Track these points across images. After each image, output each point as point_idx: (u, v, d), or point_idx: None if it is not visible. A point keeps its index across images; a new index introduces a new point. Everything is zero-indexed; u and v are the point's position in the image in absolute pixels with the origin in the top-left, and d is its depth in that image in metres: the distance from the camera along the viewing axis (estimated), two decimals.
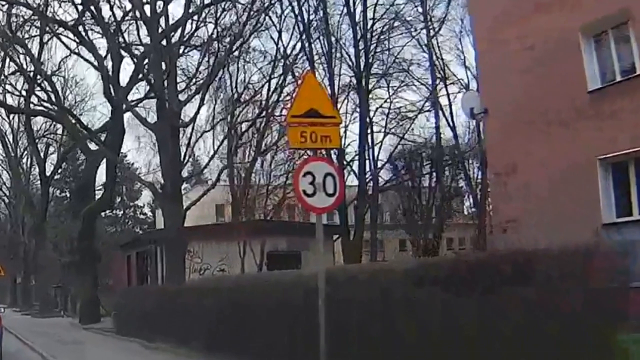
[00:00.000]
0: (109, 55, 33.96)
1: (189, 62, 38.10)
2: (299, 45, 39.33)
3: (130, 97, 36.81)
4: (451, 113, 42.76)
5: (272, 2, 36.18)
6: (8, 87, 45.00)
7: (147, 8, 31.26)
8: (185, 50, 36.11)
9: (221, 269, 32.92)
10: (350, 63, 40.86)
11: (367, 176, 40.72)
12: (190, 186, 50.49)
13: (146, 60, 33.70)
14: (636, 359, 9.17)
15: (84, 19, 33.91)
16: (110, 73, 33.24)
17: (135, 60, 34.37)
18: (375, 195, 41.28)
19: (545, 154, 20.09)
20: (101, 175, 44.31)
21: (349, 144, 41.08)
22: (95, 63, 34.33)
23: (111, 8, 32.12)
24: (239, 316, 17.48)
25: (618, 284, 8.87)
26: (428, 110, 43.09)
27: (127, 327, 27.96)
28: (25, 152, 64.20)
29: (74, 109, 49.96)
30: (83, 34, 34.29)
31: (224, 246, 32.94)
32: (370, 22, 40.69)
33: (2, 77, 43.54)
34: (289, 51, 39.06)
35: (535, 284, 9.44)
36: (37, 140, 56.55)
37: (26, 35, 39.18)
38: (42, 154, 58.47)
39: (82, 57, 38.22)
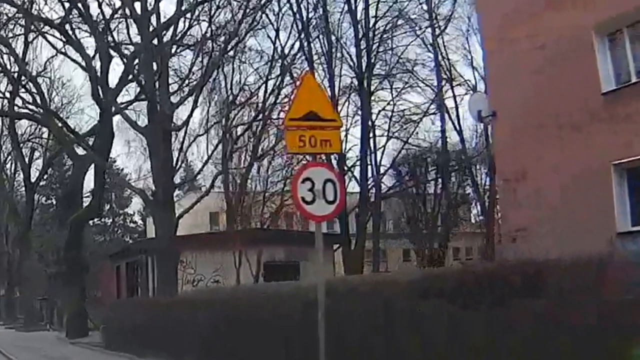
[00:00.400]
0: (97, 55, 33.94)
1: (181, 62, 38.15)
2: (297, 44, 39.46)
3: (119, 99, 36.74)
4: (457, 116, 42.93)
5: None
6: None
7: (137, 5, 31.26)
8: (178, 50, 36.08)
9: (215, 280, 32.90)
10: (351, 63, 41.00)
11: (369, 182, 40.76)
12: (183, 193, 50.54)
13: (136, 61, 33.68)
14: None
15: (71, 17, 33.84)
16: (98, 74, 33.16)
17: (125, 60, 34.30)
18: (377, 203, 41.29)
19: (557, 159, 20.09)
20: (89, 182, 44.21)
21: (350, 149, 41.22)
22: (83, 63, 34.25)
23: (100, 5, 32.02)
24: (234, 330, 17.47)
25: (634, 296, 8.84)
26: (433, 113, 43.19)
27: (116, 342, 27.89)
28: (9, 157, 64.06)
29: (61, 112, 50.05)
30: (70, 32, 34.17)
31: (219, 256, 32.93)
32: (372, 20, 40.82)
33: None
34: (286, 51, 39.16)
35: (547, 296, 9.43)
36: (21, 145, 56.53)
37: (10, 34, 39.13)
38: (26, 159, 58.41)
39: (69, 57, 38.10)
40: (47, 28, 36.38)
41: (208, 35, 32.66)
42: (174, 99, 32.75)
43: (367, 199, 40.46)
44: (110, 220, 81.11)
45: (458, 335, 10.78)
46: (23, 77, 40.72)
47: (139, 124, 34.05)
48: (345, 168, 39.81)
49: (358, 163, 41.00)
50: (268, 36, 39.81)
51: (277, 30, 39.05)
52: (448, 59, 43.02)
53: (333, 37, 40.57)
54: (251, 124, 38.03)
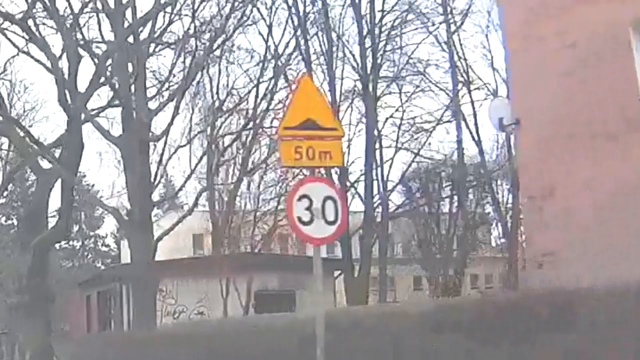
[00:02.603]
0: (64, 55, 33.93)
1: (160, 63, 38.11)
2: (293, 42, 39.42)
3: (90, 105, 36.74)
4: (476, 124, 42.79)
5: None
6: None
7: None
8: (157, 49, 36.12)
9: (199, 312, 32.91)
10: (354, 64, 41.01)
11: (375, 200, 40.73)
12: (163, 212, 50.53)
13: (109, 61, 33.70)
14: None
15: (34, 11, 33.86)
16: (66, 76, 33.18)
17: (96, 60, 34.30)
18: (384, 223, 41.27)
19: (590, 173, 20.08)
20: (55, 200, 44.25)
21: (353, 162, 41.18)
22: (48, 64, 34.27)
23: None
24: None
25: None
26: (448, 121, 43.10)
27: None
28: None
29: (23, 119, 49.89)
30: (33, 29, 34.23)
31: (203, 284, 32.93)
32: (378, 15, 40.84)
33: None
34: (280, 50, 39.07)
35: (578, 330, 9.44)
36: None
37: None
38: None
39: (32, 57, 38.07)
40: (7, 24, 36.44)
41: (191, 32, 32.71)
42: (152, 105, 32.78)
43: (373, 219, 40.44)
44: (80, 243, 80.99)
45: None
46: None
47: (112, 133, 34.03)
48: (348, 184, 39.81)
49: (362, 178, 40.98)
50: (260, 33, 39.76)
51: (269, 27, 38.97)
52: (465, 59, 42.98)
53: (334, 34, 40.65)
54: (240, 134, 38.00)
